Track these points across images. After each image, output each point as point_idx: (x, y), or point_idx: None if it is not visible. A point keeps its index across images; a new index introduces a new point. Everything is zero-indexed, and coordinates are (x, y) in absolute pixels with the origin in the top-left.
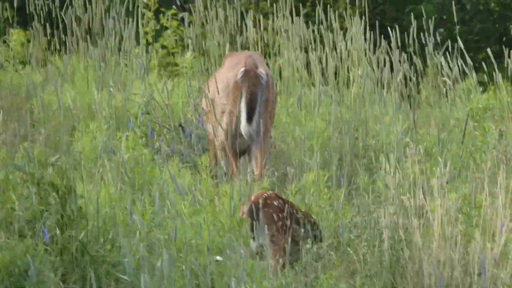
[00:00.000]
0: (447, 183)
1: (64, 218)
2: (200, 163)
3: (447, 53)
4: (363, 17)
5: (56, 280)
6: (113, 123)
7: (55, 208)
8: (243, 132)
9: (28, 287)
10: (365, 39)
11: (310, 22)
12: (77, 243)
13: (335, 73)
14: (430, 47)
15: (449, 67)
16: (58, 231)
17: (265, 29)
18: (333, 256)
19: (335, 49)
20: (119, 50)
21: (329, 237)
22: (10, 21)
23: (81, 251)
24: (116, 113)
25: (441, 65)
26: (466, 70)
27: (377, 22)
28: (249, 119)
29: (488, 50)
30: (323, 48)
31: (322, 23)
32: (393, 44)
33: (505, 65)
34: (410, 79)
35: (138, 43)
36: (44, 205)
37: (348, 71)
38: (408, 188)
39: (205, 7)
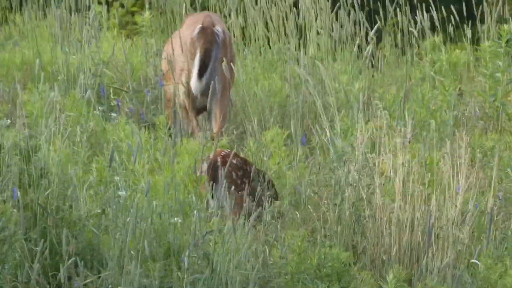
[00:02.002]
0: (409, 142)
1: (26, 177)
2: (158, 122)
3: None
4: None
5: (20, 238)
6: (66, 83)
7: (18, 167)
8: (192, 88)
9: None
10: None
11: None
12: (39, 202)
13: (295, 30)
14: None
15: (412, 23)
16: (19, 191)
17: None
18: (296, 215)
19: (296, 6)
20: (78, 9)
21: (288, 195)
22: None
23: (42, 210)
24: (70, 73)
25: (408, 20)
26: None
27: None
28: (200, 75)
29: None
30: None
31: None
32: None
33: (466, 24)
34: (371, 38)
35: (98, 2)
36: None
37: (306, 30)
38: (371, 147)
39: None
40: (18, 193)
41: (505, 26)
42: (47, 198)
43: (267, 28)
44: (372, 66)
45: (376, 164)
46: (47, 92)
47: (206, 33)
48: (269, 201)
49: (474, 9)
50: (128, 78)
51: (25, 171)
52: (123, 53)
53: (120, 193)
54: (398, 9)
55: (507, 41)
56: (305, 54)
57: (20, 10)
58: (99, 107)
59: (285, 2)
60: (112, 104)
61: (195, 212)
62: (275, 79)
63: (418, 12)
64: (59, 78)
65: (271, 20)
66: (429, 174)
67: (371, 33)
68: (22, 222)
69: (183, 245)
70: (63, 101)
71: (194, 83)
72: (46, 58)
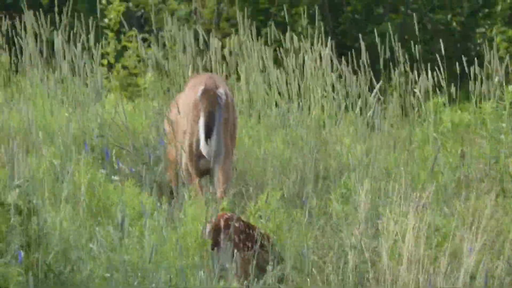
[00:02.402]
0: (423, 206)
1: (26, 239)
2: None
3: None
4: (323, 37)
5: None
6: (69, 146)
7: (19, 230)
8: (203, 152)
9: None
10: (323, 58)
11: (269, 42)
12: (42, 264)
13: (298, 94)
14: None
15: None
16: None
17: (229, 51)
18: (296, 278)
19: (302, 68)
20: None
21: (291, 258)
22: None
23: (44, 273)
24: (74, 136)
25: (412, 80)
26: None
27: (334, 43)
28: (207, 138)
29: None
30: (283, 68)
31: (282, 44)
32: (349, 66)
33: (469, 85)
34: (373, 99)
35: (100, 64)
36: (7, 227)
37: (310, 92)
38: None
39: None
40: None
41: (510, 87)
42: (51, 260)
43: (270, 89)
44: (374, 127)
45: (385, 227)
46: (47, 155)
47: (209, 95)
48: (273, 264)
49: (478, 69)
50: (130, 139)
51: (24, 232)
52: (124, 115)
53: (126, 257)
54: (399, 69)
55: (510, 103)
56: (309, 116)
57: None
58: (102, 170)
59: (287, 65)
60: (114, 166)
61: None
62: (277, 142)
63: (423, 73)
64: (60, 140)
65: (276, 82)
66: (439, 238)
67: (372, 95)
68: None
69: None
70: (64, 164)
71: (203, 147)
72: (46, 119)
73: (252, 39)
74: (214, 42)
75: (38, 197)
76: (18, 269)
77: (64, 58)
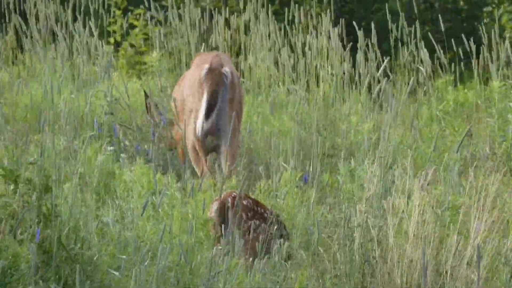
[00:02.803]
0: (428, 184)
1: (40, 216)
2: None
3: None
4: (331, 16)
5: (36, 279)
6: (76, 124)
7: (35, 206)
8: (197, 129)
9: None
10: (332, 36)
11: (277, 20)
12: (55, 241)
13: (305, 72)
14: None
15: (421, 63)
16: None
17: (236, 29)
18: (303, 256)
19: (308, 47)
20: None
21: (299, 235)
22: None
23: (55, 250)
24: (80, 114)
25: (419, 59)
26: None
27: (343, 20)
28: (207, 116)
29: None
30: (291, 47)
31: (290, 22)
32: (359, 44)
33: (473, 64)
34: (378, 80)
35: (107, 42)
36: (23, 202)
37: (317, 70)
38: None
39: (173, 6)
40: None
41: None
42: (61, 236)
43: (277, 68)
44: (381, 106)
45: (390, 205)
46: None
47: (214, 74)
48: (280, 242)
49: (485, 49)
50: (133, 119)
51: (39, 209)
52: (126, 94)
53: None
54: (406, 49)
55: None
56: (317, 94)
57: (29, 50)
58: (110, 147)
59: (295, 44)
60: (121, 144)
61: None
62: (285, 119)
63: (422, 52)
64: (69, 119)
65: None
66: (442, 215)
67: (379, 72)
68: (34, 265)
69: (193, 285)
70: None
71: (199, 124)
72: (55, 98)
73: (257, 17)
74: (220, 20)
75: (52, 173)
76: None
77: (72, 37)
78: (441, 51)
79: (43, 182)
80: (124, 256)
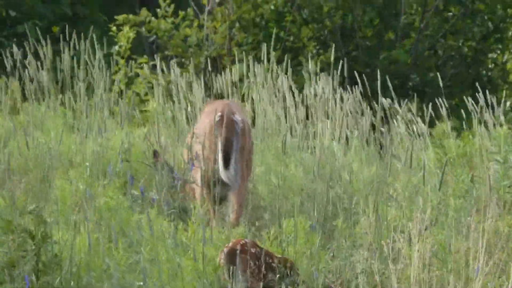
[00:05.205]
0: (426, 229)
1: (40, 264)
2: (192, 207)
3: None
4: (334, 65)
5: None
6: (92, 170)
7: (31, 255)
8: (222, 177)
9: None
10: (334, 86)
11: (279, 68)
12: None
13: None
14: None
15: (422, 112)
16: (33, 277)
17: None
18: None
19: (312, 96)
20: (90, 97)
21: (304, 282)
22: None
23: None
24: (94, 160)
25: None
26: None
27: (345, 68)
28: (226, 164)
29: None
30: (293, 96)
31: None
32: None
33: (479, 110)
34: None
35: (110, 90)
36: (21, 251)
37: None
38: (385, 233)
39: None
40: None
41: None
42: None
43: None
44: (380, 154)
45: (391, 250)
46: (75, 181)
47: (226, 122)
48: None
49: (487, 96)
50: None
51: (36, 257)
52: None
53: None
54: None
55: None
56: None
57: (34, 99)
58: (123, 196)
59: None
60: (136, 193)
61: None
62: (290, 167)
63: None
64: (87, 164)
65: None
66: (444, 260)
67: (377, 120)
68: None
69: None
70: (91, 190)
71: (222, 173)
72: (64, 147)
73: (263, 62)
74: (227, 69)
75: (53, 221)
76: None
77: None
78: (443, 101)
79: (42, 230)
80: None
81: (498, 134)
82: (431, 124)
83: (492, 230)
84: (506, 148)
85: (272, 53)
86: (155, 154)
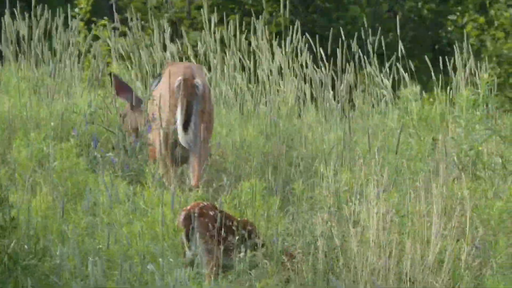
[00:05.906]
0: (383, 191)
1: None
2: (146, 170)
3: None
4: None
5: None
6: (57, 133)
7: None
8: (180, 141)
9: None
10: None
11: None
12: (9, 251)
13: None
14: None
15: (383, 76)
16: None
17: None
18: (267, 265)
19: (273, 58)
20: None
21: (264, 245)
22: None
23: (14, 261)
24: (58, 122)
25: (376, 74)
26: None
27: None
28: (185, 128)
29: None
30: (254, 58)
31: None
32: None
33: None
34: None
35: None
36: None
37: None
38: (344, 196)
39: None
40: None
41: (485, 75)
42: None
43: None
44: (346, 117)
45: (351, 213)
46: (39, 142)
47: (186, 85)
48: (246, 251)
49: (447, 60)
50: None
51: None
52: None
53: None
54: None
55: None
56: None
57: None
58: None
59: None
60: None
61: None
62: (250, 130)
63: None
64: (52, 124)
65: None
66: (401, 223)
67: (341, 88)
68: None
69: None
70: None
71: (181, 136)
72: (26, 110)
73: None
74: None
75: (10, 183)
76: None
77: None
78: (408, 60)
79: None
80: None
81: (461, 97)
82: (394, 88)
83: (449, 194)
84: (469, 113)
85: (231, 17)
86: (115, 77)
